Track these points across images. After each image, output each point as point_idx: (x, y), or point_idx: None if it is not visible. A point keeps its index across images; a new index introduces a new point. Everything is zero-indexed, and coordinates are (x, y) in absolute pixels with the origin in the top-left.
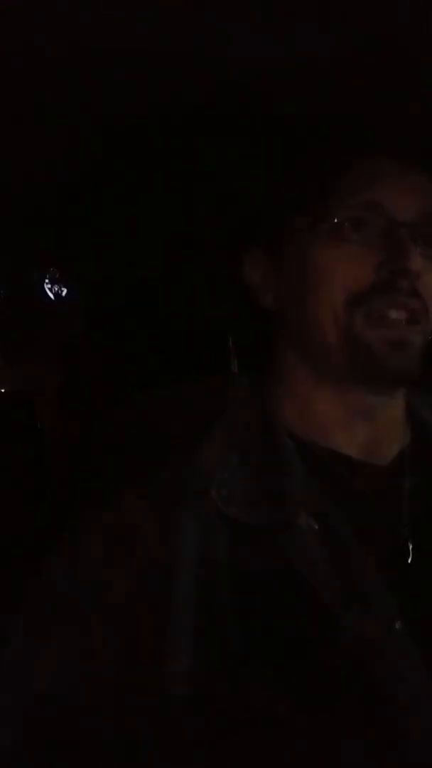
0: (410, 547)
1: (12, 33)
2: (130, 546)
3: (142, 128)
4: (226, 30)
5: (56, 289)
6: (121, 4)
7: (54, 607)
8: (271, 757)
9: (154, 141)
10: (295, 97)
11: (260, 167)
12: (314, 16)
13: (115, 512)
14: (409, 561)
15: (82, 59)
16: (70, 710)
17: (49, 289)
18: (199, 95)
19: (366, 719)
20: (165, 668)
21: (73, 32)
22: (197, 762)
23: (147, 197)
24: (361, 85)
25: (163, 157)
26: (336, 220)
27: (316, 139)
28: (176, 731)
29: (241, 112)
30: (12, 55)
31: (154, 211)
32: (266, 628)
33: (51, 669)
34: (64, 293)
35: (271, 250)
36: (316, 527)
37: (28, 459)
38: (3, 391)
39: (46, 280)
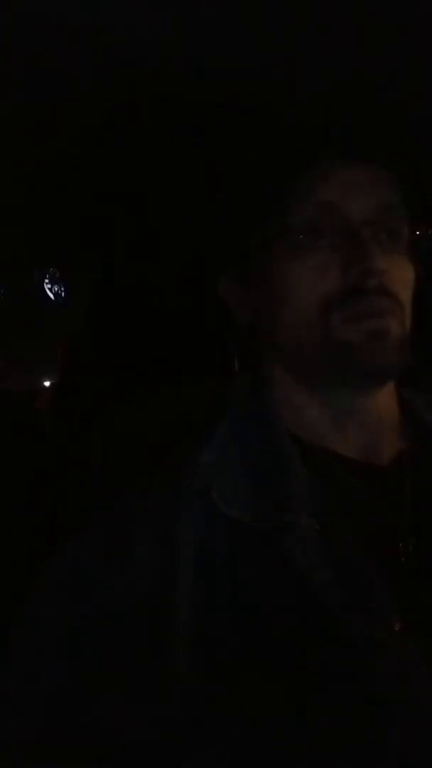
0: (411, 548)
1: (9, 28)
2: (130, 548)
3: (133, 131)
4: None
5: (56, 289)
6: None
7: (52, 609)
8: (270, 759)
9: (141, 147)
10: (245, 104)
11: (217, 181)
12: (273, 19)
13: (116, 513)
14: (410, 562)
15: (82, 59)
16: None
17: (49, 289)
18: (167, 101)
19: (366, 721)
20: (165, 670)
21: (72, 31)
22: (195, 764)
23: (139, 202)
24: (309, 87)
25: (147, 163)
26: (293, 229)
27: (264, 146)
28: (175, 734)
29: (201, 121)
30: (11, 53)
31: (150, 213)
32: (267, 630)
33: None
34: (64, 293)
35: (240, 267)
36: (318, 528)
37: (27, 459)
38: (3, 391)
39: (46, 280)
